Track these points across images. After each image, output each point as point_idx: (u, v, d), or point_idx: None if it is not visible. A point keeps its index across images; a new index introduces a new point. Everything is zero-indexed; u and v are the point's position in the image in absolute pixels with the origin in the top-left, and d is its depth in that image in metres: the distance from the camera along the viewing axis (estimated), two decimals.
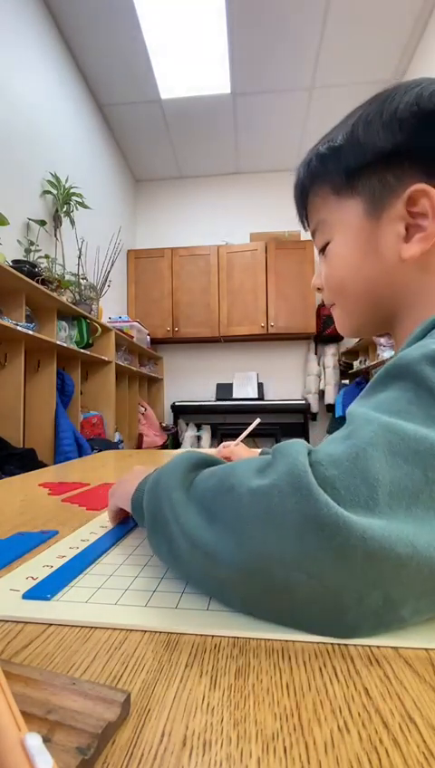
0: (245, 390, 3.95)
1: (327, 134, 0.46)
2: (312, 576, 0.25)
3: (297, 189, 0.50)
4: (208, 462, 0.36)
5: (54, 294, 2.13)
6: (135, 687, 0.24)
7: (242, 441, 0.77)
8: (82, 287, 2.70)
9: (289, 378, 4.22)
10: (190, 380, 4.31)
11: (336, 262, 0.46)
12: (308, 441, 3.83)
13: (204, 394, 4.16)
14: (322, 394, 4.00)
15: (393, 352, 0.44)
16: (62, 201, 2.61)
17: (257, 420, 0.76)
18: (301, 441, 0.30)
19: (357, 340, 3.75)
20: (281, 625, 0.29)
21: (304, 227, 0.53)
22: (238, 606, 0.31)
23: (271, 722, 0.21)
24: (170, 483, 0.34)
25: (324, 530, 0.24)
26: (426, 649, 0.27)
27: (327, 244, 0.47)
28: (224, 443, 0.78)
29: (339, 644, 0.28)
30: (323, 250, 0.48)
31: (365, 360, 3.54)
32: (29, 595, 0.34)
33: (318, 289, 0.52)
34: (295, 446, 0.28)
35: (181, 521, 0.31)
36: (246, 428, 0.79)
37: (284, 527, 0.25)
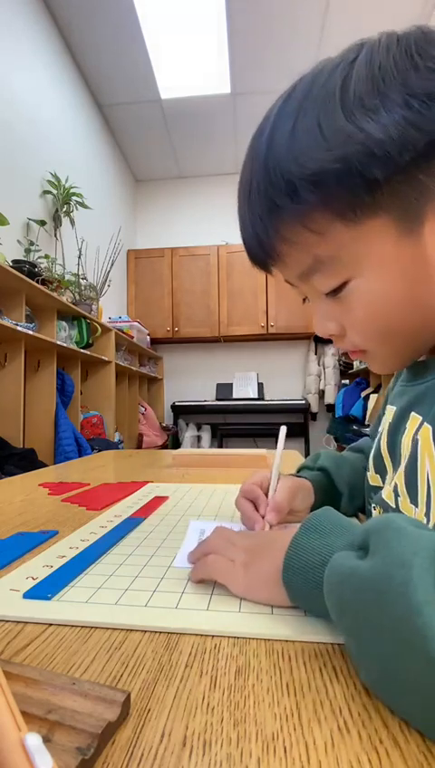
0: (245, 390, 3.95)
1: (271, 148, 0.34)
2: None
3: (260, 231, 0.37)
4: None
5: (54, 294, 2.13)
6: (135, 687, 0.24)
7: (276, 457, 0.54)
8: (82, 287, 2.70)
9: (289, 378, 4.22)
10: (190, 380, 4.31)
11: (375, 303, 0.37)
12: (308, 441, 3.85)
13: (204, 394, 4.16)
14: (322, 394, 4.00)
15: None
16: (62, 201, 2.61)
17: (283, 429, 0.56)
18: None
19: None
20: None
21: (270, 272, 0.42)
22: None
23: (271, 722, 0.21)
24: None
25: None
26: None
27: (343, 284, 0.37)
28: (259, 472, 0.54)
29: (339, 644, 0.28)
30: (335, 291, 0.38)
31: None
32: (29, 595, 0.34)
33: (331, 335, 0.42)
34: None
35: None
36: (247, 429, 0.63)
37: None
